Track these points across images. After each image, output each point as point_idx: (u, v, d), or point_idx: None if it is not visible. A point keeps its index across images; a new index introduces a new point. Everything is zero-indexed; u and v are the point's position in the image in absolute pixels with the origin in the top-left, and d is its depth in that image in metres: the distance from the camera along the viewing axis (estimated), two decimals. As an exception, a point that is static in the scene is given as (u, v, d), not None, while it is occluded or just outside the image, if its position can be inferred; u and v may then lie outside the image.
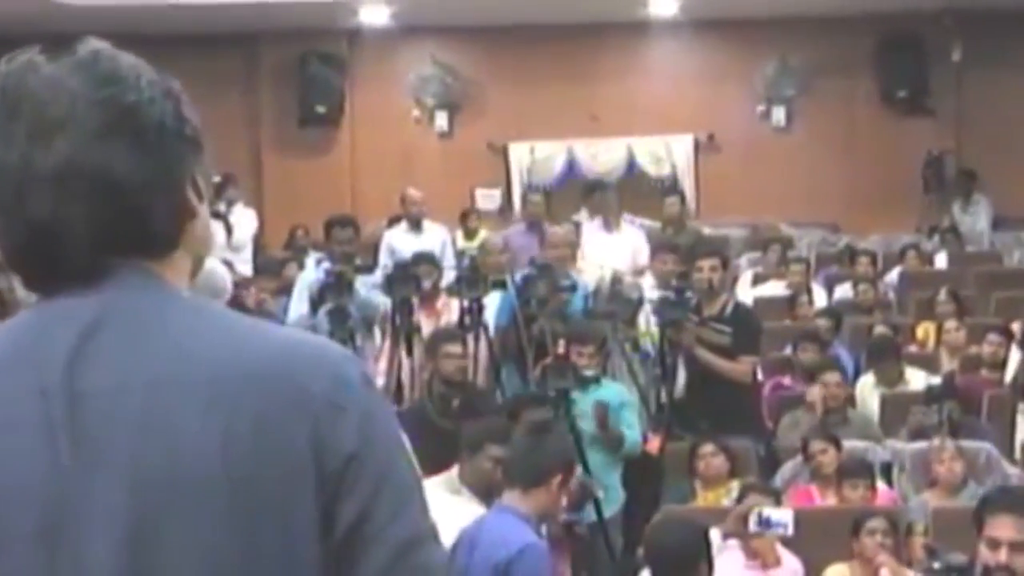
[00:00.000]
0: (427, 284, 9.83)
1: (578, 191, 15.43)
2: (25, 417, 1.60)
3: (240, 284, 11.63)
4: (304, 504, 1.62)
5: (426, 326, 9.61)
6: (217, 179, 13.78)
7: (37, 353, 1.63)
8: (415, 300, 9.52)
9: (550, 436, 6.23)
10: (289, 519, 1.61)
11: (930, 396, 9.56)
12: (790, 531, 6.86)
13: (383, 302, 9.54)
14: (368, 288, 9.58)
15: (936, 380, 10.01)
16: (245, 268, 13.51)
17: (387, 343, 9.44)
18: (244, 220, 14.47)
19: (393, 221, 13.95)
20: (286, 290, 10.96)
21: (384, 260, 12.06)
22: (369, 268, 10.16)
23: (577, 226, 11.49)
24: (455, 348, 8.63)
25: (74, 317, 1.64)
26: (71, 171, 1.64)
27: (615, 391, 8.72)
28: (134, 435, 1.58)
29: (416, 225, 12.90)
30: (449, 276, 10.51)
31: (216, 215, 13.49)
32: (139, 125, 1.67)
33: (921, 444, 9.03)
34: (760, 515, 6.86)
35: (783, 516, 6.91)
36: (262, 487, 1.60)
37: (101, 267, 1.66)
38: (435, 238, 12.72)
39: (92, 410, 1.59)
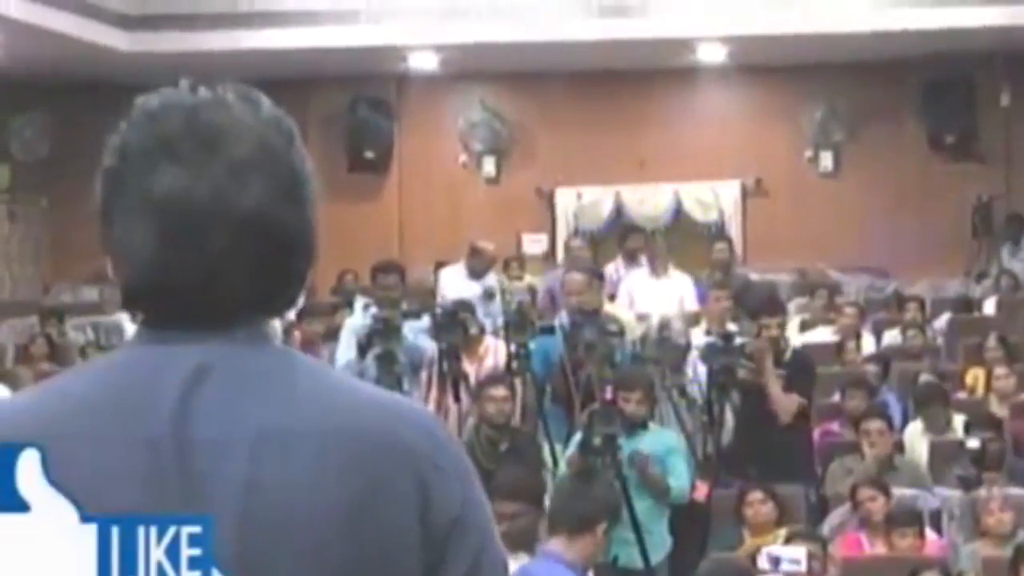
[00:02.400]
0: (473, 330, 9.89)
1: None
2: (134, 465, 1.58)
3: (286, 328, 11.71)
4: (409, 563, 1.61)
5: (469, 371, 9.66)
6: None
7: (143, 401, 1.60)
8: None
9: (596, 482, 6.22)
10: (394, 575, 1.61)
11: (969, 424, 9.67)
12: (802, 568, 6.80)
13: (431, 347, 9.57)
14: (415, 334, 9.61)
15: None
16: (289, 312, 13.55)
17: (434, 389, 9.46)
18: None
19: (440, 265, 13.98)
20: (333, 335, 10.99)
21: (443, 300, 12.03)
22: (416, 313, 10.20)
23: (600, 275, 11.40)
24: (498, 391, 8.70)
25: (179, 365, 1.61)
26: (258, 219, 1.62)
27: (663, 437, 8.70)
28: (243, 486, 1.57)
29: (478, 274, 12.81)
30: (498, 321, 10.55)
31: None
32: (304, 189, 1.69)
33: (971, 492, 8.98)
34: (769, 555, 6.83)
35: (794, 554, 6.86)
36: (372, 542, 1.59)
37: (231, 316, 1.65)
38: (491, 284, 12.76)
39: (200, 459, 1.58)
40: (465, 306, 10.46)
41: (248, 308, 1.65)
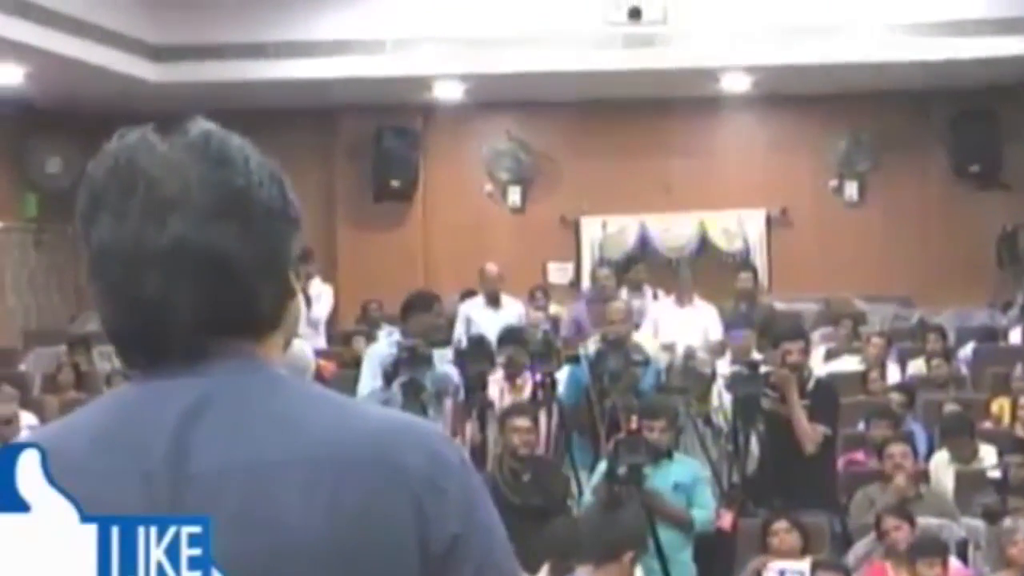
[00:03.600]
0: (500, 360, 9.91)
1: (650, 265, 15.49)
2: (128, 499, 1.60)
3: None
4: None
5: (510, 401, 9.69)
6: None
7: (140, 435, 1.63)
8: (493, 375, 9.60)
9: (622, 511, 6.23)
10: None
11: (1001, 452, 9.63)
12: None
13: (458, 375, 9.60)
14: (442, 362, 9.63)
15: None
16: (320, 341, 13.60)
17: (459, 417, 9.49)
18: (323, 296, 14.45)
19: (466, 295, 14.02)
20: (355, 363, 10.98)
21: (460, 333, 12.14)
22: (445, 342, 10.21)
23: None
24: (523, 422, 8.69)
25: (176, 399, 1.64)
26: (182, 250, 1.64)
27: (688, 467, 8.71)
28: (237, 517, 1.59)
29: (494, 300, 13.01)
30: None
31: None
32: (249, 207, 1.69)
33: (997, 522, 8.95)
34: (774, 568, 6.89)
35: (800, 567, 6.91)
36: (367, 566, 1.61)
37: (204, 347, 1.67)
38: (512, 313, 12.83)
39: (195, 493, 1.60)
40: (515, 334, 10.51)
41: (221, 335, 1.67)
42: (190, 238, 1.65)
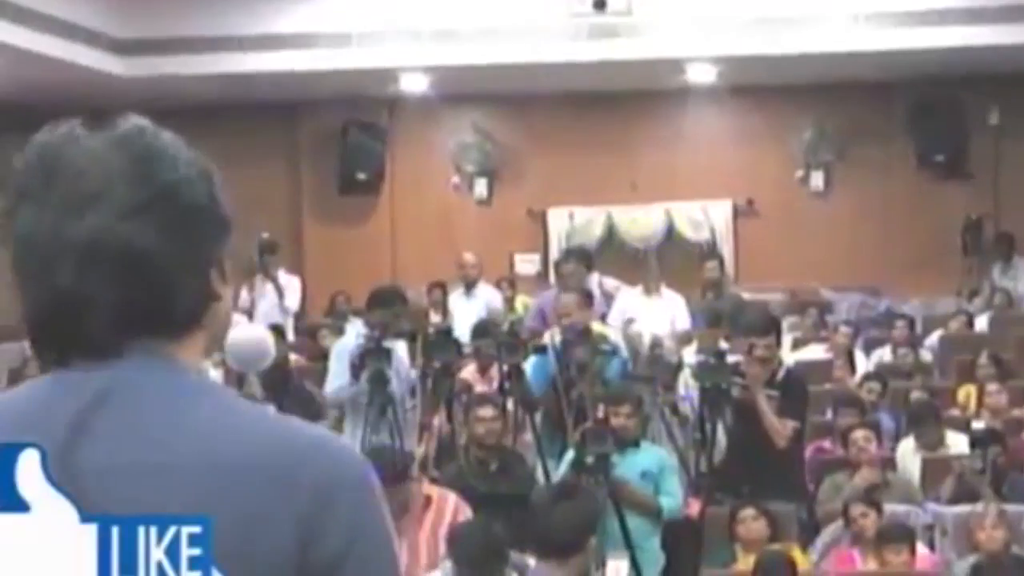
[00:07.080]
0: (468, 349, 9.96)
1: (616, 257, 15.46)
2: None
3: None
4: None
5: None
6: (264, 235, 13.89)
7: (41, 423, 1.62)
8: (468, 366, 9.65)
9: (576, 500, 6.10)
10: None
11: (975, 440, 9.58)
12: None
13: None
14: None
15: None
16: (288, 334, 13.60)
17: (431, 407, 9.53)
18: (291, 286, 14.49)
19: (434, 286, 14.04)
20: (323, 356, 10.99)
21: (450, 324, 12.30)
22: (411, 334, 10.19)
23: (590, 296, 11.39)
24: (486, 412, 8.71)
25: (80, 391, 1.63)
26: (99, 243, 1.63)
27: (655, 455, 8.72)
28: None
29: (469, 289, 13.15)
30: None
31: (269, 277, 13.68)
32: (173, 204, 1.67)
33: (963, 508, 8.98)
34: None
35: None
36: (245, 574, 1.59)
37: (118, 344, 1.65)
38: (484, 300, 13.00)
39: (86, 487, 1.59)
40: (484, 330, 10.60)
41: (135, 332, 1.66)
42: (107, 232, 1.64)
